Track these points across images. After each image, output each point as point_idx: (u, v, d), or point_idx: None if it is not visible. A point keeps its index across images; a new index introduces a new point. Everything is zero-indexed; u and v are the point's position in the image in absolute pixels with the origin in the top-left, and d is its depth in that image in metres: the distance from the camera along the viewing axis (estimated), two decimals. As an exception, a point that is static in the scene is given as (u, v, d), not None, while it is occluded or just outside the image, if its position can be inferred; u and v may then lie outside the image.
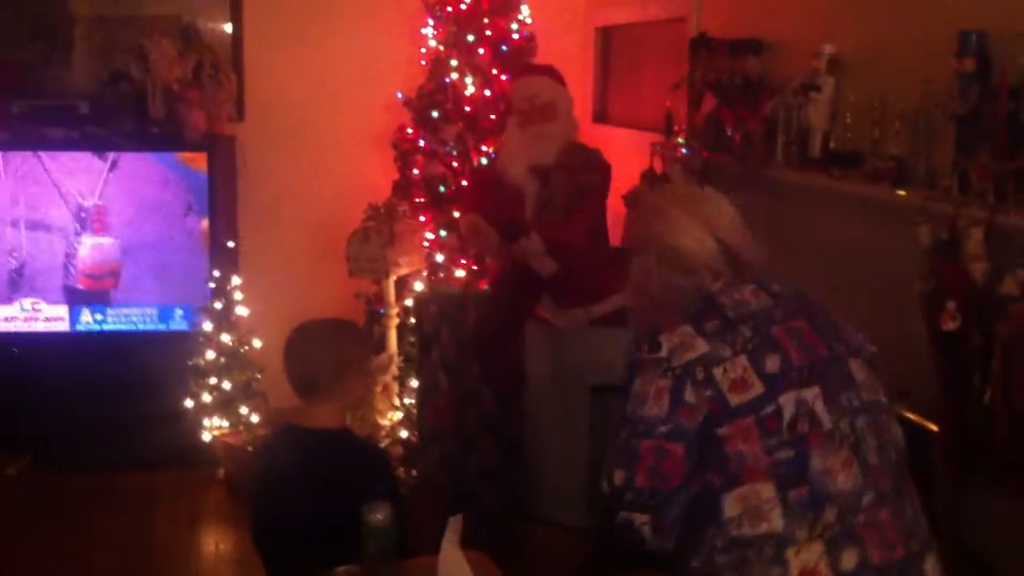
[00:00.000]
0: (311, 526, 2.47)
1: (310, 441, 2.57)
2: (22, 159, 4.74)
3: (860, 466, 1.76)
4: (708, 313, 1.86)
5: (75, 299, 4.88)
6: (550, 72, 3.99)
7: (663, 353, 1.81)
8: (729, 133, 3.59)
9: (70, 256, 4.83)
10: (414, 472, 4.45)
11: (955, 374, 2.40)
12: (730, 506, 1.74)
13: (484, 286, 4.45)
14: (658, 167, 4.08)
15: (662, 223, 1.98)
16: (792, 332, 1.84)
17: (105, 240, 4.83)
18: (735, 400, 1.76)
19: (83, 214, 4.80)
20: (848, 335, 1.92)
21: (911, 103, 2.76)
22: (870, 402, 1.85)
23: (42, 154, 4.73)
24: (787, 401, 1.76)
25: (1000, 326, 2.25)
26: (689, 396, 1.76)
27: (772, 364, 1.78)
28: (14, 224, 4.81)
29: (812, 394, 1.78)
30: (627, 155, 4.33)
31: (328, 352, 2.60)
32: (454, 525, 2.21)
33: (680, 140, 3.99)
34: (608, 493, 1.83)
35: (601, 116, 5.34)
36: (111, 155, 4.74)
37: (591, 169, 3.83)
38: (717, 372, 1.77)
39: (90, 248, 4.84)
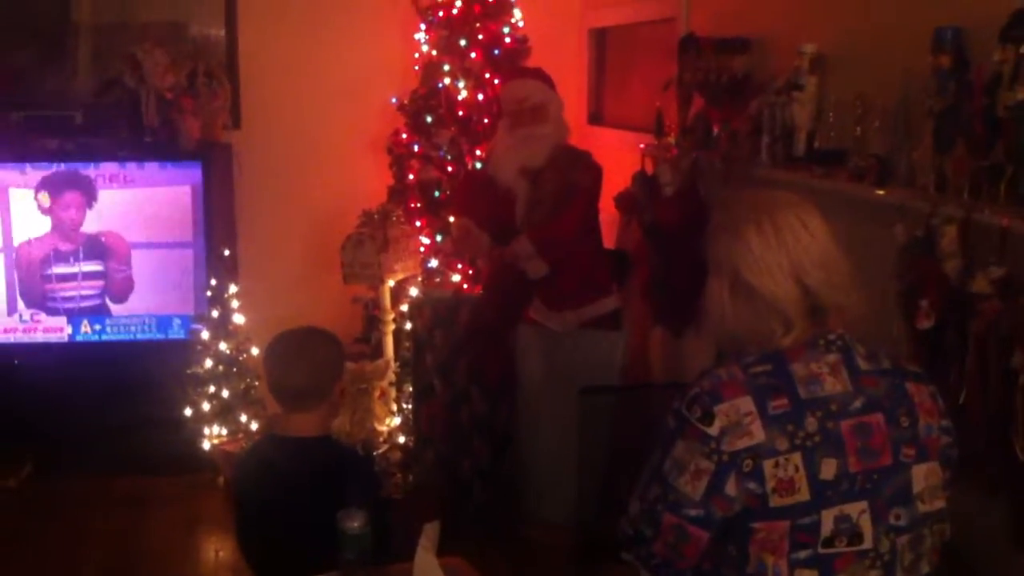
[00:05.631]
0: (291, 533, 2.48)
1: (287, 449, 2.58)
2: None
3: None
4: (776, 388, 1.65)
5: (72, 311, 4.87)
6: (539, 75, 4.00)
7: (713, 431, 1.64)
8: (716, 132, 3.58)
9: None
10: (410, 477, 4.45)
11: (933, 373, 2.37)
12: None
13: (479, 290, 4.45)
14: (649, 168, 4.06)
15: (738, 248, 1.73)
16: (861, 430, 1.65)
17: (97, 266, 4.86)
18: (776, 502, 1.62)
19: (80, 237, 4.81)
20: (925, 431, 1.71)
21: (891, 100, 2.75)
22: (923, 515, 1.69)
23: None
24: (828, 516, 1.63)
25: (973, 324, 2.23)
26: (730, 488, 1.63)
27: (827, 470, 1.62)
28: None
29: (858, 510, 1.63)
30: (622, 156, 4.31)
31: (304, 363, 2.59)
32: (428, 532, 2.21)
33: (671, 140, 3.98)
34: (626, 533, 1.76)
35: (597, 118, 5.32)
36: (109, 164, 4.74)
37: (581, 170, 3.84)
38: (767, 466, 1.62)
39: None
